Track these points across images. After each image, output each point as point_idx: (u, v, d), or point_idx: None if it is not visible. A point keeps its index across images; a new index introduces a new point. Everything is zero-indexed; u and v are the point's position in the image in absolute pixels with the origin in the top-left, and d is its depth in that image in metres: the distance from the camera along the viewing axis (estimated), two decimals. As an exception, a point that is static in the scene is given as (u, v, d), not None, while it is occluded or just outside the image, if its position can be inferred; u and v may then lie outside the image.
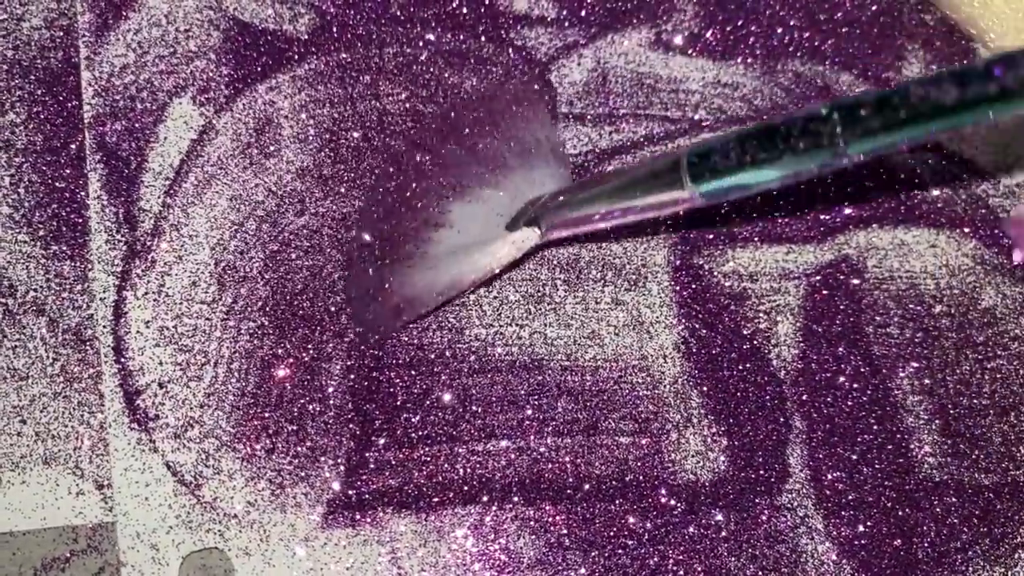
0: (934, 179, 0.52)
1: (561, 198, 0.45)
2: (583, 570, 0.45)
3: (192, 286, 0.47)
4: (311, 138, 0.50)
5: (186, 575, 0.43)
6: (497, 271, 0.46)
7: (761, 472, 0.47)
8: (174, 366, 0.46)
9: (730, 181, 0.35)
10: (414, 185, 0.49)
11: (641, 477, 0.47)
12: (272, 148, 0.50)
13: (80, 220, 0.48)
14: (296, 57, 0.51)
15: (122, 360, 0.46)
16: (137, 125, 0.49)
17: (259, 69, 0.51)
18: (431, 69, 0.52)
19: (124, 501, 0.44)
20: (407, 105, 0.51)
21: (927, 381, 0.49)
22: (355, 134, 0.50)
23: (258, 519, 0.44)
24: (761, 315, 0.49)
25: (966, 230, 0.51)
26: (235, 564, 0.43)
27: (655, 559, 0.46)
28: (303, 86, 0.51)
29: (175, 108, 0.50)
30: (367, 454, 0.45)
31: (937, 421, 0.48)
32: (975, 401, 0.49)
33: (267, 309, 0.47)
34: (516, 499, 0.46)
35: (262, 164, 0.49)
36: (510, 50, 0.53)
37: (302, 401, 0.46)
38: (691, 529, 0.46)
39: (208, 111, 0.50)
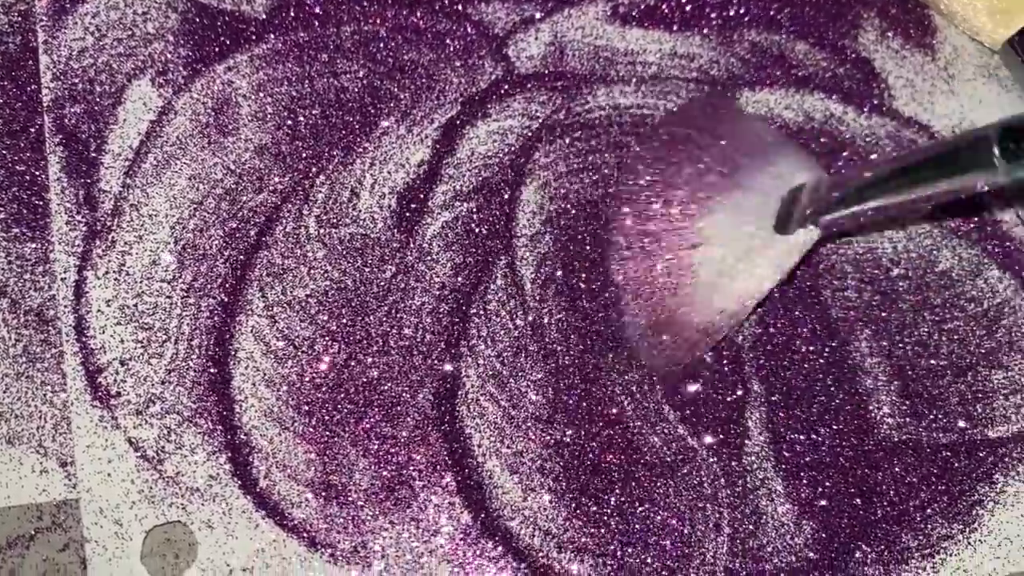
0: (892, 144, 0.52)
1: (837, 192, 0.41)
2: (546, 537, 0.46)
3: (152, 265, 0.47)
4: (269, 116, 0.50)
5: (150, 549, 0.44)
6: (783, 278, 0.45)
7: (721, 435, 0.47)
8: (135, 344, 0.46)
9: None
10: (654, 212, 0.46)
11: (602, 444, 0.47)
12: (231, 127, 0.50)
13: (40, 202, 0.48)
14: (254, 37, 0.52)
15: (83, 339, 0.46)
16: (96, 107, 0.49)
17: (217, 50, 0.51)
18: (389, 46, 0.52)
19: (87, 478, 0.44)
20: (365, 82, 0.51)
21: (885, 343, 0.49)
22: (314, 111, 0.51)
23: (220, 492, 0.44)
24: (720, 282, 0.49)
25: (923, 194, 0.52)
26: (198, 537, 0.44)
27: (617, 524, 0.46)
28: (261, 65, 0.51)
29: (134, 90, 0.50)
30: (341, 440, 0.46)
31: (895, 382, 0.49)
32: (932, 362, 0.49)
33: (226, 286, 0.47)
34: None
35: (220, 143, 0.50)
36: (467, 25, 0.53)
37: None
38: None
39: (167, 92, 0.50)
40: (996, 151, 0.33)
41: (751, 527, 0.46)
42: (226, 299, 0.47)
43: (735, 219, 0.44)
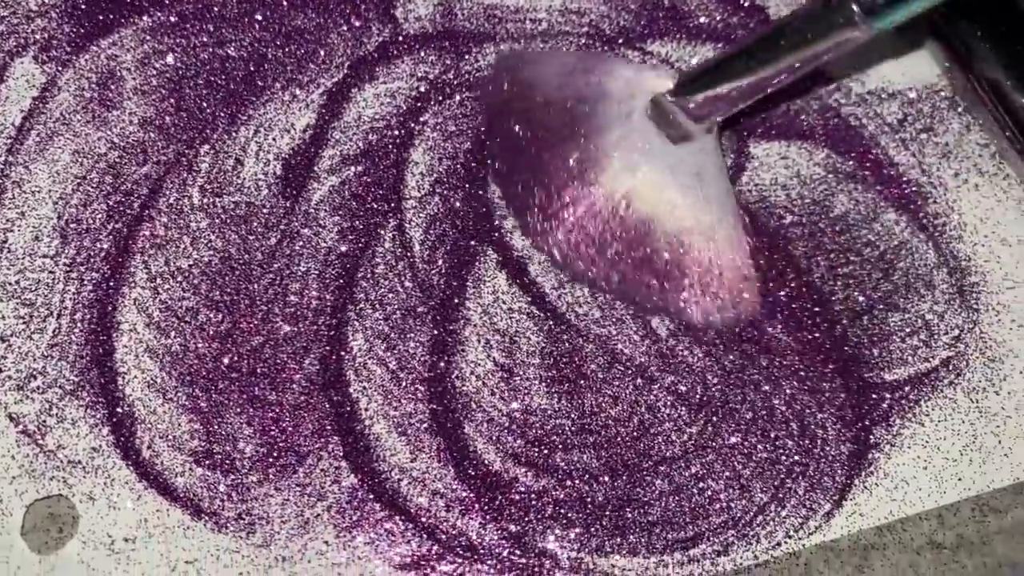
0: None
1: (701, 75, 0.44)
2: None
3: (35, 241, 0.47)
4: (154, 89, 0.50)
5: (32, 524, 0.43)
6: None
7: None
8: (16, 320, 0.46)
9: (905, 10, 0.35)
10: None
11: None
12: (115, 101, 0.49)
13: (-78, 183, 0.48)
14: (139, 10, 0.51)
15: (-36, 318, 0.45)
16: (-23, 87, 0.49)
17: (102, 24, 0.51)
18: (275, 12, 0.51)
19: (-33, 456, 0.44)
20: (250, 50, 0.51)
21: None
22: (198, 81, 0.50)
23: (102, 464, 0.44)
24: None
25: (818, 140, 0.51)
26: (80, 510, 0.43)
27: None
28: (145, 38, 0.51)
29: (16, 67, 0.50)
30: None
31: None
32: (827, 308, 0.48)
33: (109, 259, 0.47)
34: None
35: (105, 118, 0.49)
36: (354, -11, 0.52)
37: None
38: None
39: (51, 68, 0.50)
40: (855, 7, 0.36)
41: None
42: (109, 272, 0.47)
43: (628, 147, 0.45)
